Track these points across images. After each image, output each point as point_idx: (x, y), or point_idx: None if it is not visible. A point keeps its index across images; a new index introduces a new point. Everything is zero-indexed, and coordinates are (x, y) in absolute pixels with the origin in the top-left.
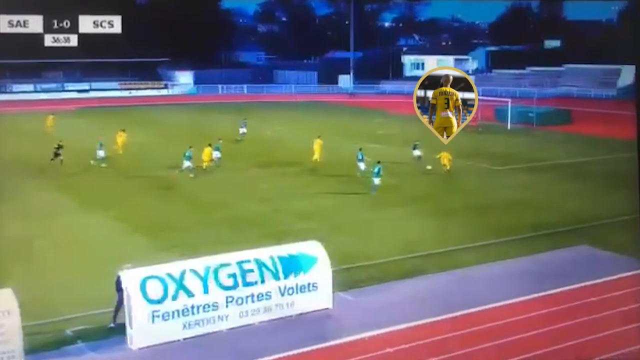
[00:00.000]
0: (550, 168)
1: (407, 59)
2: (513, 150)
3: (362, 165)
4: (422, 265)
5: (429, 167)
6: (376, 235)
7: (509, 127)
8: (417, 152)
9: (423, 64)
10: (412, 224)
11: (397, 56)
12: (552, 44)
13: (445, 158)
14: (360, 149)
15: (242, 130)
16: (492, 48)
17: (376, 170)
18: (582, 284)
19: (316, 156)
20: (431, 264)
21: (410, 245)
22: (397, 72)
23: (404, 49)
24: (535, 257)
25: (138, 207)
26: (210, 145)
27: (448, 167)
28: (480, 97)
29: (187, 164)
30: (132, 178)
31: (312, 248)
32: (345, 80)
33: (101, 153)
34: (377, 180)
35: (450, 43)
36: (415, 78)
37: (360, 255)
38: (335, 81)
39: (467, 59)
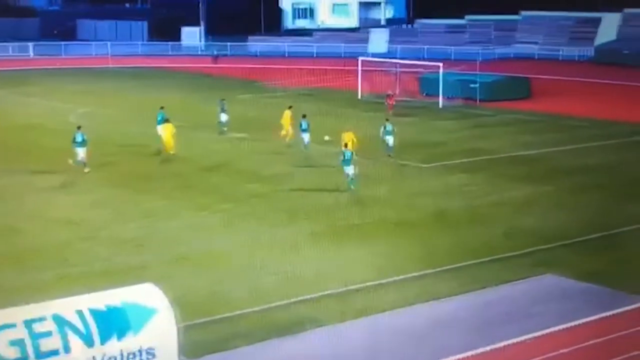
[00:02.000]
0: (498, 164)
1: (288, 3)
2: (445, 139)
3: (305, 138)
4: (313, 313)
5: (327, 138)
6: (245, 270)
7: (440, 104)
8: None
9: (312, 10)
10: (299, 251)
11: None
12: None
13: (348, 139)
14: (304, 116)
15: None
16: None
17: (348, 156)
18: (548, 331)
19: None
20: (326, 310)
21: (295, 284)
22: (272, 23)
23: None
24: (479, 295)
25: None
26: None
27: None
28: (399, 61)
29: None
30: None
31: (146, 295)
32: (191, 35)
33: None
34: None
35: None
36: (300, 32)
37: (222, 301)
38: (176, 36)
39: (379, 4)
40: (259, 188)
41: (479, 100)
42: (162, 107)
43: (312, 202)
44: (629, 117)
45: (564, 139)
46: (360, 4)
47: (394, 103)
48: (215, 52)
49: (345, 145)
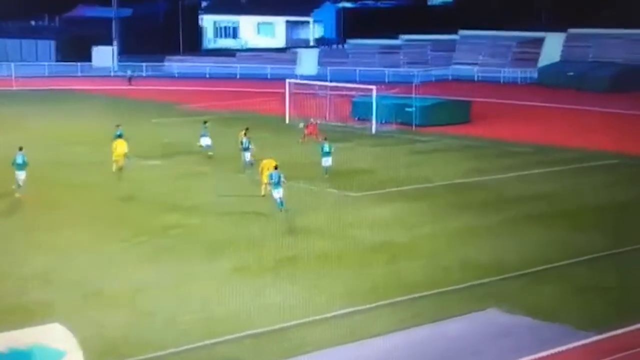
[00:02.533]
0: (437, 193)
1: (209, 21)
2: (379, 166)
3: (247, 156)
4: (236, 354)
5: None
6: (162, 309)
7: (373, 129)
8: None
9: (235, 29)
10: (221, 288)
11: (193, 16)
12: None
13: (268, 168)
14: (246, 131)
15: None
16: (347, 5)
17: (275, 179)
18: None
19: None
20: (250, 351)
21: (217, 323)
22: (191, 43)
23: (203, 3)
24: (417, 331)
25: None
26: None
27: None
28: (329, 84)
29: None
30: None
31: (54, 336)
32: (103, 55)
33: None
34: (277, 193)
35: None
36: (222, 52)
37: (136, 342)
38: (87, 56)
39: (307, 23)
40: (178, 219)
41: (415, 125)
42: (118, 125)
43: (237, 235)
44: (574, 143)
45: (507, 166)
46: (288, 23)
47: (316, 131)
48: (129, 73)
49: (262, 172)
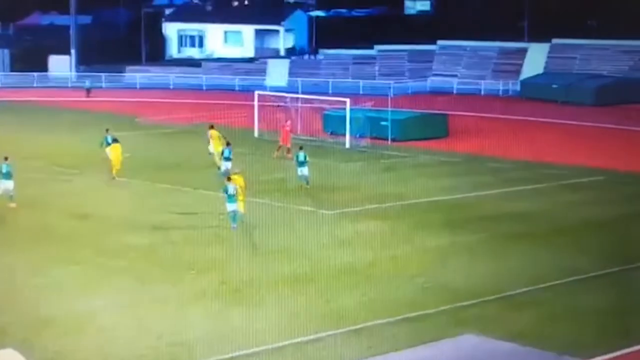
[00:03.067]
0: (413, 211)
1: (173, 29)
2: (352, 183)
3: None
4: None
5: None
6: (120, 335)
7: (347, 144)
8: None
9: (201, 37)
10: (182, 313)
11: (156, 24)
12: (417, 6)
13: (236, 184)
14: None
15: None
16: (319, 13)
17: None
18: None
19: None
20: None
21: (177, 350)
22: (154, 52)
23: (167, 11)
24: (390, 358)
25: None
26: None
27: (241, 198)
28: (300, 96)
29: None
30: None
31: None
32: (60, 65)
33: None
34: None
35: (248, 3)
36: (187, 62)
37: None
38: (43, 66)
39: (277, 32)
40: (137, 239)
41: (391, 140)
42: (107, 130)
43: (199, 256)
44: (558, 159)
45: (487, 183)
46: (257, 32)
47: (288, 139)
48: (87, 84)
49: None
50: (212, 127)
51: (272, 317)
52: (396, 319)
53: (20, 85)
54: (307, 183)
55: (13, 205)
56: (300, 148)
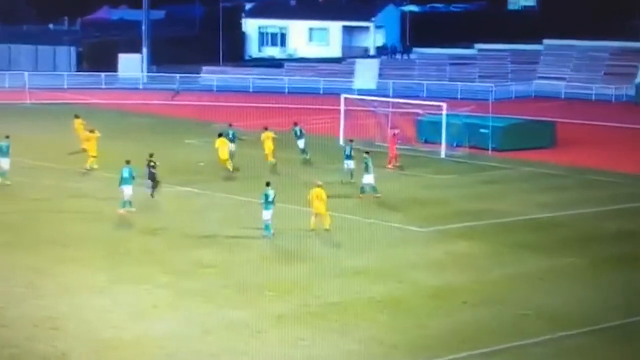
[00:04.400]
0: (512, 229)
1: (254, 26)
2: (447, 197)
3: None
4: None
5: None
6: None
7: (442, 153)
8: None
9: (283, 35)
10: (259, 339)
11: (234, 20)
12: (521, 1)
13: (317, 198)
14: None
15: None
16: (413, 8)
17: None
18: None
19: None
20: None
21: None
22: (232, 51)
23: (248, 6)
24: None
25: None
26: None
27: (321, 214)
28: (391, 100)
29: None
30: None
31: None
32: (131, 64)
33: None
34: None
35: None
36: (268, 62)
37: None
38: (112, 66)
39: (367, 28)
40: (210, 256)
41: (491, 149)
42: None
43: (276, 275)
44: None
45: (595, 199)
46: (344, 29)
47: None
48: (176, 86)
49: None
50: (266, 128)
51: (358, 345)
52: (491, 350)
53: (87, 86)
54: (374, 192)
55: (8, 182)
56: (367, 153)
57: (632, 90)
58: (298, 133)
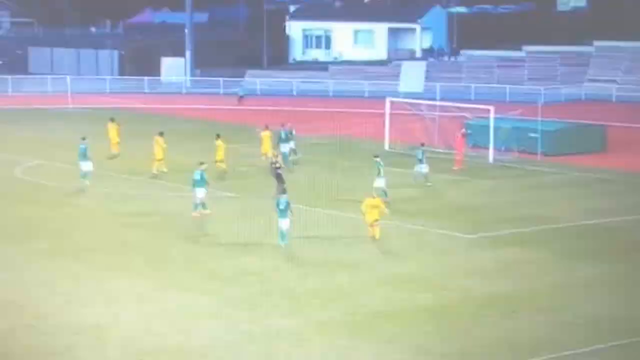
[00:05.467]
0: (562, 235)
1: (298, 29)
2: (495, 203)
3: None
4: None
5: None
6: None
7: (490, 158)
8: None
9: (328, 38)
10: (304, 348)
11: (278, 23)
12: (571, 2)
13: (370, 207)
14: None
15: None
16: (461, 9)
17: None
18: None
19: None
20: None
21: None
22: (277, 54)
23: (292, 8)
24: None
25: None
26: None
27: (374, 223)
28: (438, 104)
29: None
30: None
31: None
32: (174, 68)
33: None
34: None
35: None
36: (312, 65)
37: None
38: (155, 69)
39: (413, 30)
40: (254, 263)
41: (541, 154)
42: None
43: (322, 283)
44: None
45: None
46: (390, 30)
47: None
48: (240, 91)
49: (365, 213)
50: (267, 127)
51: (405, 355)
52: (544, 358)
53: (130, 90)
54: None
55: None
56: (422, 144)
57: None
58: (283, 136)
